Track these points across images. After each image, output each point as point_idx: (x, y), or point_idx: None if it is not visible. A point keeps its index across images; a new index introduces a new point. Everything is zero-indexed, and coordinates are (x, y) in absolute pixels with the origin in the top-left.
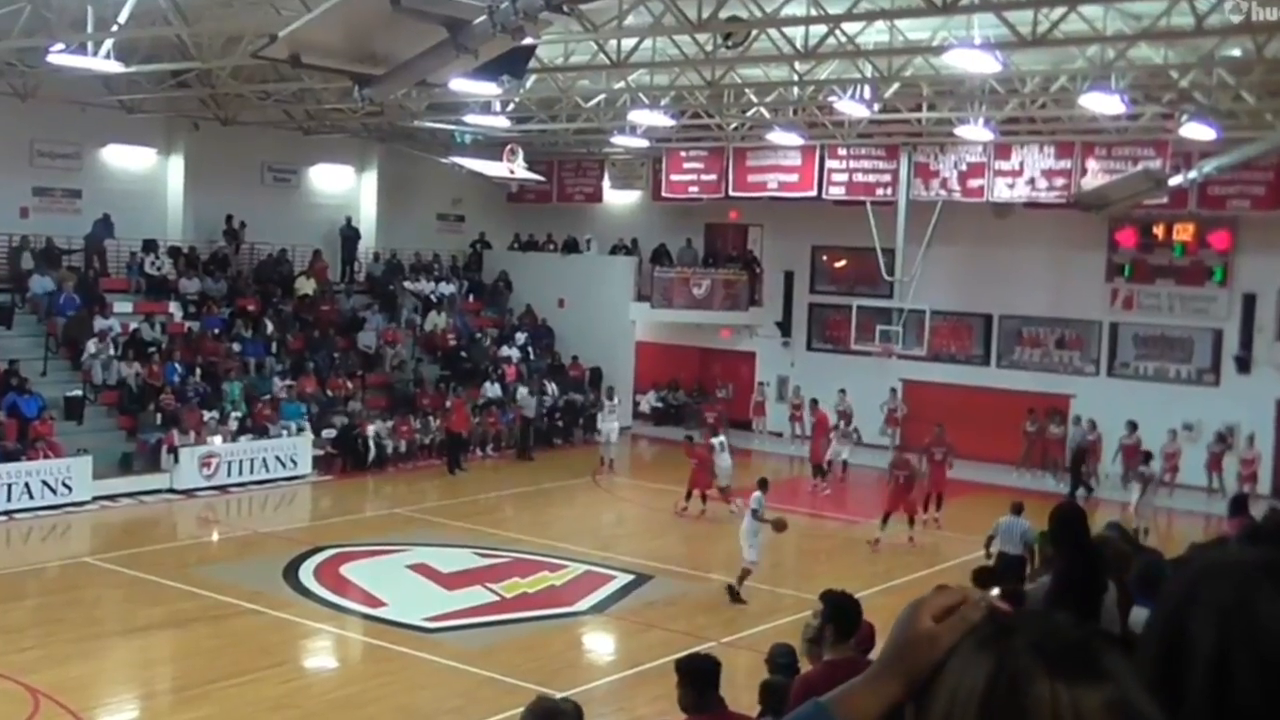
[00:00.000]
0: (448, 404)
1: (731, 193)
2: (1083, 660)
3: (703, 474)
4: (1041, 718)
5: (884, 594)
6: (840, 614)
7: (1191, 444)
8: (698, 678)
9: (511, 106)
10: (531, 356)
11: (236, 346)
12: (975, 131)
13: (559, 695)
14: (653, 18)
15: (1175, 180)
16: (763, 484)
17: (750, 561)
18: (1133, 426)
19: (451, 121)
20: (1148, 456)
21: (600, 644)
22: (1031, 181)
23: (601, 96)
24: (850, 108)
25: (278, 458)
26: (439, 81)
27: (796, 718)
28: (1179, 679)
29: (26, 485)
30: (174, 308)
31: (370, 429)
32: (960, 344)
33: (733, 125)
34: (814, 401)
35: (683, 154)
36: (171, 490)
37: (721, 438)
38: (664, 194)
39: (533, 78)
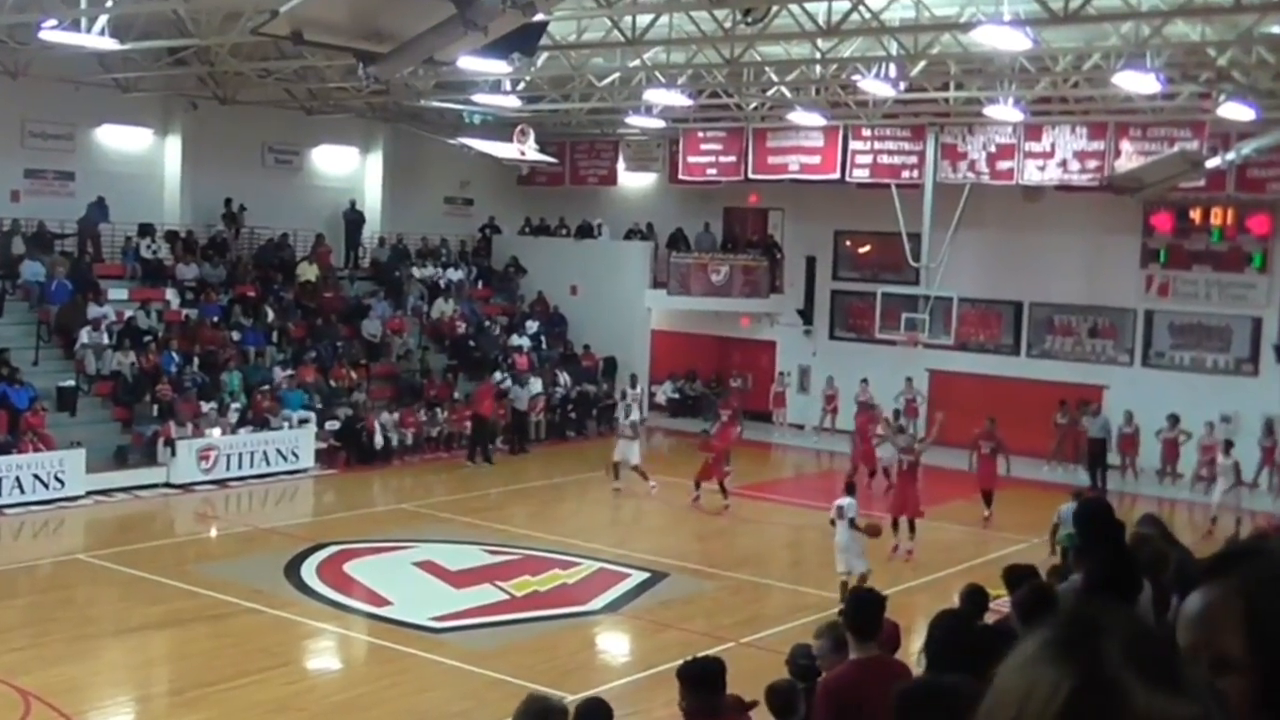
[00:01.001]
0: (455, 395)
1: (751, 175)
2: (1174, 670)
3: (717, 466)
4: None
5: (911, 592)
6: (859, 611)
7: (1231, 436)
8: (701, 682)
9: (522, 85)
10: (543, 345)
11: (236, 335)
12: (1005, 111)
13: (570, 697)
14: None
15: (1213, 162)
16: (851, 489)
17: (863, 572)
18: (1174, 420)
19: (460, 101)
20: (1229, 445)
21: (614, 644)
22: (1063, 164)
23: (616, 75)
24: (875, 87)
25: (279, 451)
26: (447, 59)
27: None
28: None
29: (17, 479)
30: (171, 294)
31: (376, 421)
32: (989, 332)
33: (752, 105)
34: (870, 406)
35: (700, 135)
36: (168, 484)
37: (634, 418)
38: (681, 176)
39: (544, 55)
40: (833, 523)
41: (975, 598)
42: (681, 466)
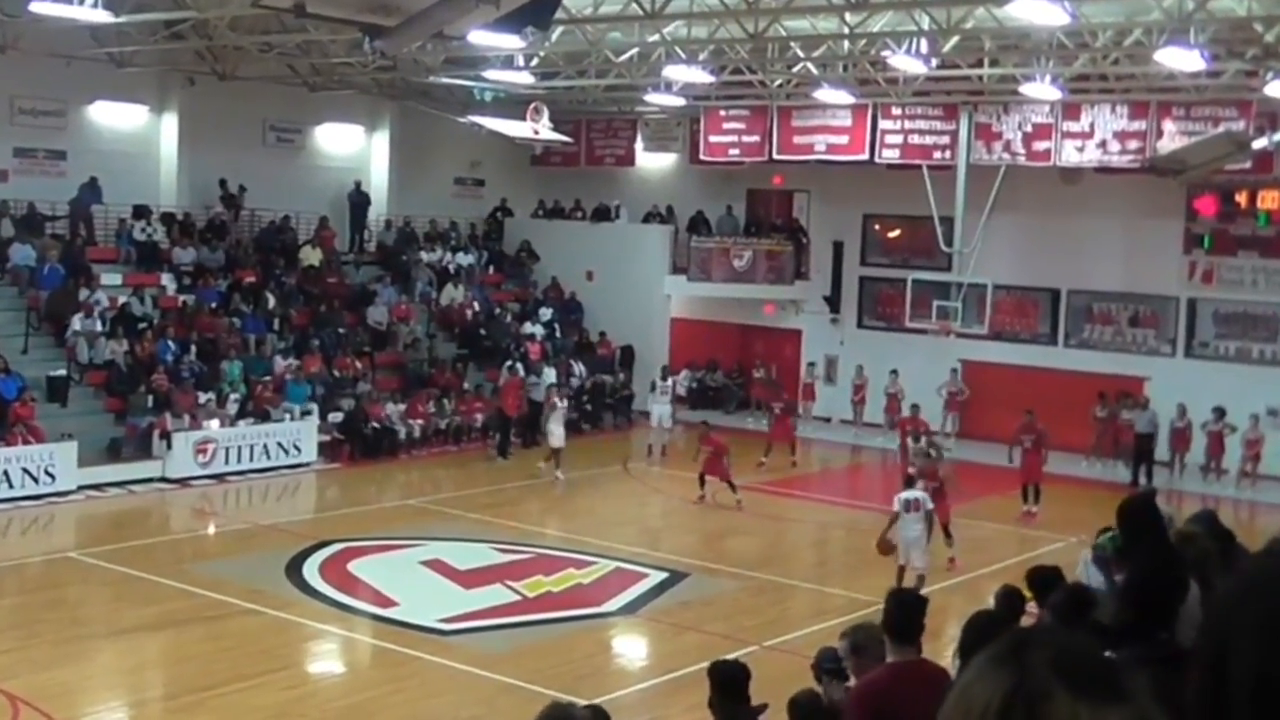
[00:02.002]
0: (465, 385)
1: (776, 156)
2: (1103, 678)
3: (717, 461)
4: None
5: (944, 593)
6: (900, 612)
7: (1277, 430)
8: (723, 686)
9: (536, 61)
10: (557, 334)
11: (235, 322)
12: (1042, 89)
13: (582, 703)
14: None
15: (1260, 143)
16: (910, 481)
17: (921, 569)
18: (1220, 412)
19: (471, 77)
20: None
21: (631, 648)
22: (1103, 144)
23: (634, 50)
24: (905, 63)
25: (280, 444)
26: (457, 34)
27: None
28: (1220, 702)
29: (5, 473)
30: (167, 279)
31: (381, 413)
32: (1025, 321)
33: (777, 82)
34: (915, 407)
35: (723, 113)
36: (164, 479)
37: (562, 405)
38: (702, 157)
39: (559, 29)
40: (896, 516)
41: (1011, 599)
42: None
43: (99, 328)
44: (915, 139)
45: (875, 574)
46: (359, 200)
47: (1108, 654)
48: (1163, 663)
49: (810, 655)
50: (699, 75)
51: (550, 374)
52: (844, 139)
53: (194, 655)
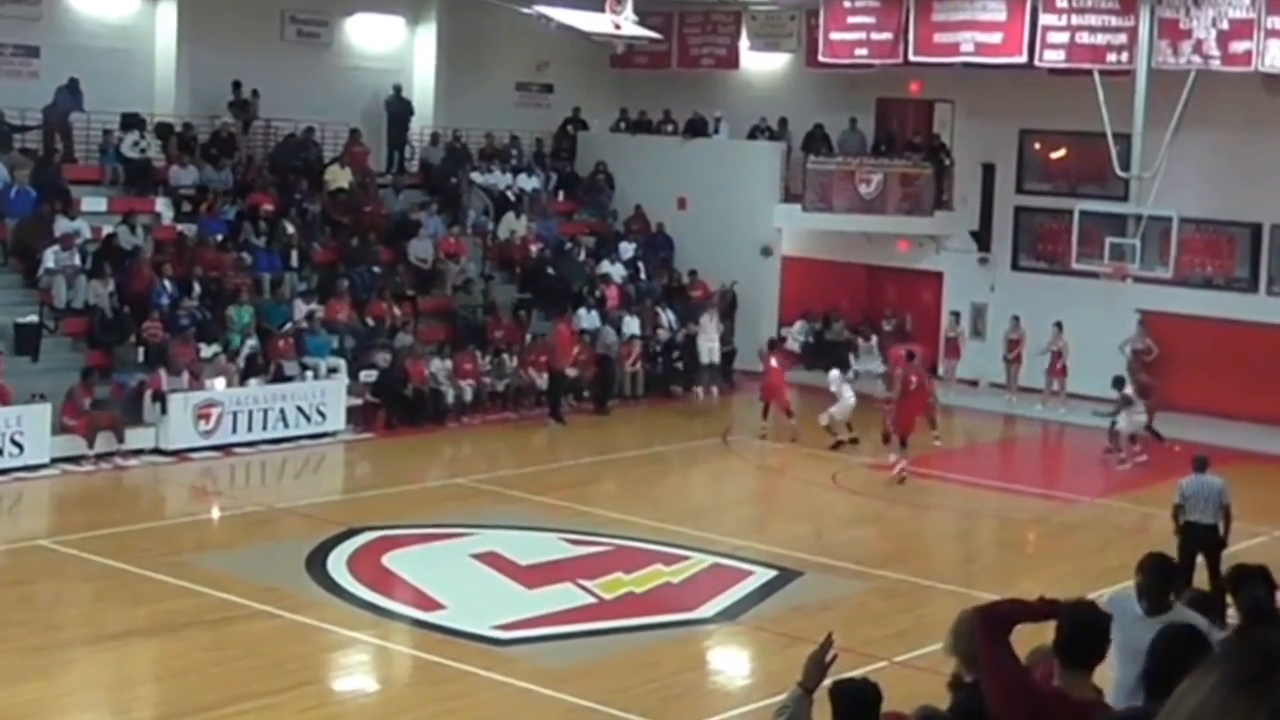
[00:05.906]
0: (528, 337)
1: (912, 57)
2: None
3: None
4: None
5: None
6: (1074, 633)
7: None
8: (855, 708)
9: None
10: (641, 275)
11: (246, 258)
12: None
13: None
14: None
15: None
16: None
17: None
18: None
19: None
20: None
21: (731, 662)
22: None
23: None
24: None
25: (300, 408)
26: None
27: None
28: None
29: None
30: (162, 205)
31: (425, 371)
32: (1218, 263)
33: None
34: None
35: (847, 4)
36: (158, 451)
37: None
38: (821, 58)
39: None
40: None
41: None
42: (818, 431)
43: (79, 264)
44: (1084, 37)
45: (1032, 572)
46: (399, 109)
47: None
48: None
49: (945, 672)
50: None
51: (633, 324)
52: (996, 37)
53: (193, 667)
